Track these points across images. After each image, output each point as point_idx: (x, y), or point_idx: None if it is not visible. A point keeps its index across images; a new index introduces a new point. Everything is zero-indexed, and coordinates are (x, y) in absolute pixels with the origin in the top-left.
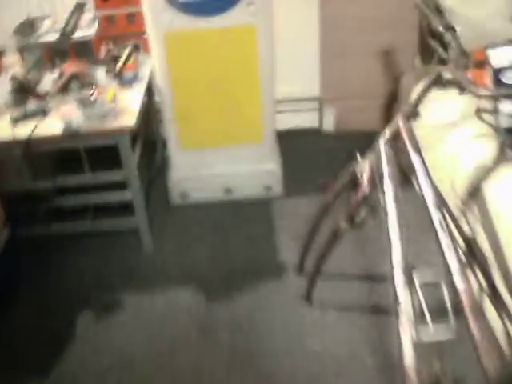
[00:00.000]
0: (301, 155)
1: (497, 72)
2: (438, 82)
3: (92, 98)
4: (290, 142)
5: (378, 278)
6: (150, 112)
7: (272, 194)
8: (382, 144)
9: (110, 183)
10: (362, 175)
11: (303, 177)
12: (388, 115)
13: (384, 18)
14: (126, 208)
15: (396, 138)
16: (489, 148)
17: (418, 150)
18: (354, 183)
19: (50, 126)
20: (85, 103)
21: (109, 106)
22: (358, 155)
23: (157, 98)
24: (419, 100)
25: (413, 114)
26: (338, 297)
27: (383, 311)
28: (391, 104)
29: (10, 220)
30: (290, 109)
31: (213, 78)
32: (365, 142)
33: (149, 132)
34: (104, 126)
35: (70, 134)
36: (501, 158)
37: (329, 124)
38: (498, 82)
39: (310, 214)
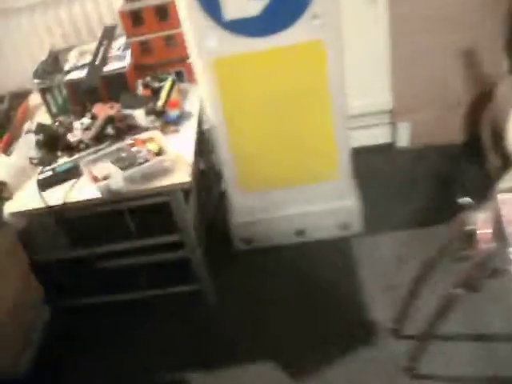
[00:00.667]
0: (376, 178)
1: None
2: None
3: (133, 154)
4: (362, 163)
5: (497, 341)
6: (201, 143)
7: (350, 232)
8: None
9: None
10: (480, 230)
11: (382, 206)
12: (472, 126)
13: (461, 16)
14: (183, 265)
15: None
16: None
17: None
18: (466, 236)
19: (86, 188)
20: (125, 161)
21: (155, 161)
22: (467, 201)
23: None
24: None
25: None
26: (448, 367)
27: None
28: (476, 113)
29: (53, 292)
30: (359, 125)
31: (275, 108)
32: (445, 157)
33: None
34: (151, 185)
35: (110, 197)
36: None
37: (403, 139)
38: None
39: (397, 256)
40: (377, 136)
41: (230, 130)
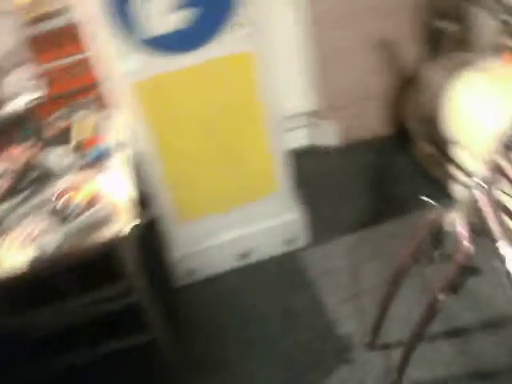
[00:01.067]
0: (312, 183)
1: None
2: None
3: (64, 205)
4: (294, 168)
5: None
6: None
7: (298, 246)
8: (476, 188)
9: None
10: (458, 229)
11: (325, 212)
12: (397, 117)
13: (380, 6)
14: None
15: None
16: None
17: None
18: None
19: (12, 255)
20: (57, 215)
21: (92, 212)
22: (429, 200)
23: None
24: None
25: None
26: (433, 370)
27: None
28: (399, 103)
29: None
30: (286, 128)
31: (207, 126)
32: (375, 151)
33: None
34: (92, 238)
35: (42, 263)
36: None
37: (332, 138)
38: None
39: (350, 263)
40: (305, 137)
41: (163, 156)
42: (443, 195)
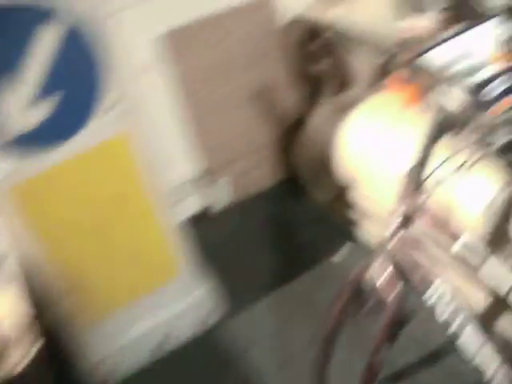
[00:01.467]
0: (214, 249)
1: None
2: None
3: None
4: (194, 238)
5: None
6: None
7: (216, 321)
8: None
9: None
10: (381, 281)
11: (234, 278)
12: (289, 163)
13: (249, 56)
14: None
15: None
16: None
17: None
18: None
19: None
20: None
21: None
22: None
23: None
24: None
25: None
26: None
27: None
28: (290, 149)
29: None
30: (176, 199)
31: (93, 223)
32: (273, 202)
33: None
34: None
35: None
36: None
37: (226, 197)
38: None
39: (274, 326)
40: (199, 203)
41: (52, 261)
42: (349, 238)
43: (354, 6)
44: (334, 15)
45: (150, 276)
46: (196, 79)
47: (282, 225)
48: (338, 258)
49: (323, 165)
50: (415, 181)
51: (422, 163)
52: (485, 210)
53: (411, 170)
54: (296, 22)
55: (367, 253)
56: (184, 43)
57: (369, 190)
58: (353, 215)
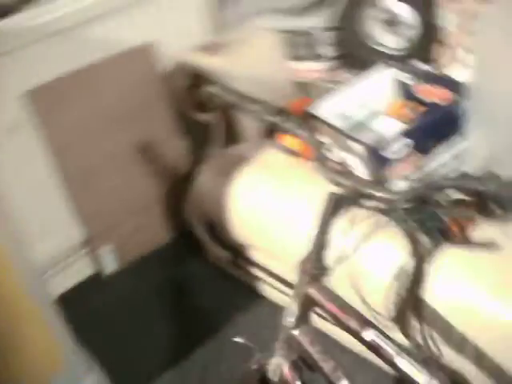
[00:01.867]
0: (103, 326)
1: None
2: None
3: None
4: (76, 314)
5: None
6: None
7: None
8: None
9: None
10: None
11: (129, 357)
12: (180, 220)
13: (123, 113)
14: None
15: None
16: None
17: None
18: None
19: None
20: None
21: None
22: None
23: None
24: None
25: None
26: None
27: None
28: (179, 205)
29: None
30: (56, 269)
31: None
32: (164, 263)
33: None
34: None
35: None
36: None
37: (112, 262)
38: (378, 160)
39: None
40: (82, 271)
41: None
42: (252, 297)
43: (236, 55)
44: (217, 65)
45: (32, 370)
46: (71, 138)
47: (177, 287)
48: (239, 337)
49: (215, 222)
50: (315, 266)
51: (320, 245)
52: (395, 276)
53: (308, 256)
54: (181, 69)
55: (272, 317)
56: (55, 99)
57: (265, 251)
58: (255, 272)
